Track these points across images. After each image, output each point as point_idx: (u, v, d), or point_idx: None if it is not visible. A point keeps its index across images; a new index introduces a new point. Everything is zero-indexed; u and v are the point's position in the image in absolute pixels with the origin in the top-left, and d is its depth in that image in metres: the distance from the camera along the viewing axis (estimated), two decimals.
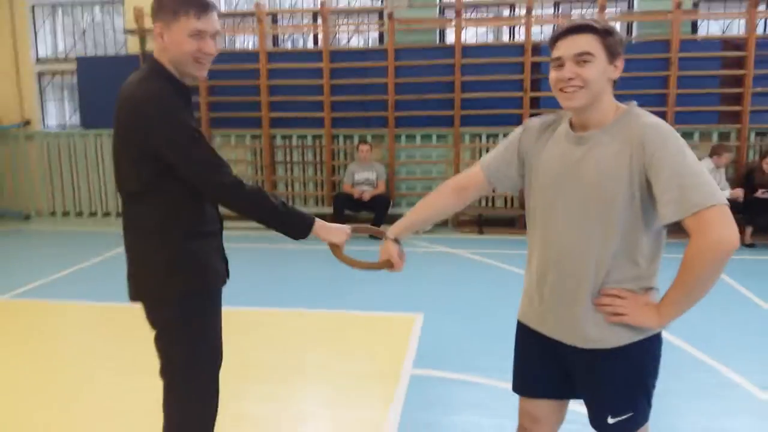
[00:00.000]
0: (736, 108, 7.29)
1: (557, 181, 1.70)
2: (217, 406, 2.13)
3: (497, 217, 8.00)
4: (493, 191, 2.38)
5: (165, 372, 2.07)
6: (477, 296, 5.10)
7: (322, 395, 3.38)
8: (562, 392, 1.85)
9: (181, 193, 1.89)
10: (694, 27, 7.70)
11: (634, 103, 1.68)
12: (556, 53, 1.65)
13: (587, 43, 1.60)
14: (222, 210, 2.01)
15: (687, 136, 7.44)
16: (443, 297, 5.10)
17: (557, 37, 1.64)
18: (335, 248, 2.12)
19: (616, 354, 1.65)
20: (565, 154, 1.70)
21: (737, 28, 7.76)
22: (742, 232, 6.86)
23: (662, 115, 7.20)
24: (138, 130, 1.82)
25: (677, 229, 1.58)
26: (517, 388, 1.93)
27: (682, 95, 7.28)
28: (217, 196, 1.90)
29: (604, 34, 1.60)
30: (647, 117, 1.62)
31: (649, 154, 1.53)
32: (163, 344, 2.03)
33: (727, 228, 1.48)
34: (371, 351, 3.99)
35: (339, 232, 2.09)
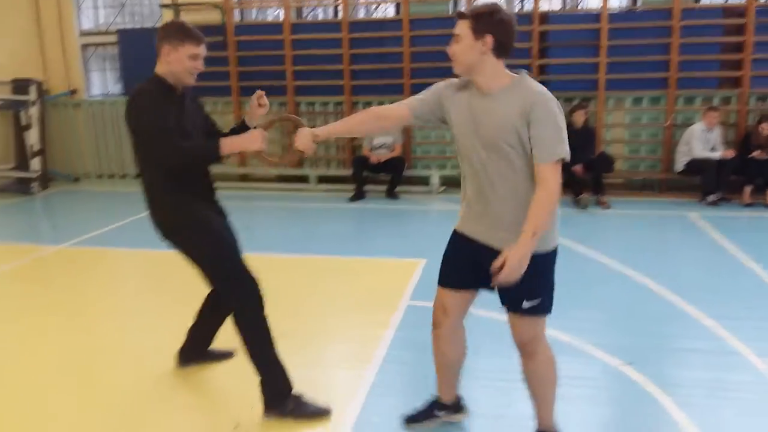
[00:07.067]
0: (737, 74, 7.58)
1: (470, 126, 2.27)
2: (257, 287, 2.77)
3: None
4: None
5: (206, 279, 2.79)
6: None
7: (328, 317, 4.05)
8: (473, 283, 2.45)
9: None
10: None
11: (525, 71, 2.25)
12: None
13: (458, 27, 2.19)
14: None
15: (689, 101, 7.79)
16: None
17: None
18: (257, 154, 2.53)
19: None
20: (474, 106, 2.27)
21: None
22: (740, 191, 7.22)
23: (664, 81, 7.60)
24: (128, 118, 2.58)
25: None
26: (440, 281, 2.54)
27: (684, 62, 7.58)
28: (167, 161, 2.60)
29: (471, 18, 2.17)
30: (537, 85, 2.20)
31: (534, 113, 2.12)
32: (190, 260, 2.77)
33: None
34: (375, 286, 4.64)
35: (251, 138, 2.55)
